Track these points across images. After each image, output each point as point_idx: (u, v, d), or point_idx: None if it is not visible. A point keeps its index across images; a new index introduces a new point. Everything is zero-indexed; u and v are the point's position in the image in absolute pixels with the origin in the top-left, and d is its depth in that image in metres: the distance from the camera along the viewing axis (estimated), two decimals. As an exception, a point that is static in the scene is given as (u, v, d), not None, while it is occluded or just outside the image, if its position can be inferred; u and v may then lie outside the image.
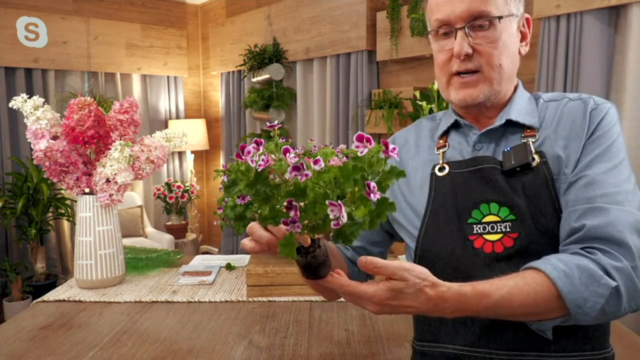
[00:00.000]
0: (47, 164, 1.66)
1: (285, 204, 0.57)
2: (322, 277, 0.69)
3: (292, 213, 0.57)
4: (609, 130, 0.83)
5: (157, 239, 4.32)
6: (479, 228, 0.85)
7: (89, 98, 1.70)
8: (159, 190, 4.61)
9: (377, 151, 0.60)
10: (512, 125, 0.89)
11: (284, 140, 0.64)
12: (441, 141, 0.96)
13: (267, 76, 4.16)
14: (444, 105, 2.79)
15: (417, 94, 3.06)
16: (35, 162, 1.65)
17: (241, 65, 4.42)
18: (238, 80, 4.73)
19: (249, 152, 0.59)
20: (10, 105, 1.67)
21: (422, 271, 0.70)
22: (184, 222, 4.74)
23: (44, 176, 1.75)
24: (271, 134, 0.71)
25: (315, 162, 0.57)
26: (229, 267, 1.89)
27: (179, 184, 4.65)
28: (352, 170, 0.57)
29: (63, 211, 3.89)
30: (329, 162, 0.59)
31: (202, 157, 5.46)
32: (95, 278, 1.67)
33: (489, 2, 0.84)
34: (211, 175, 5.43)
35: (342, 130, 3.74)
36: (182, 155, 5.25)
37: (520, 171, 0.84)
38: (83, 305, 1.54)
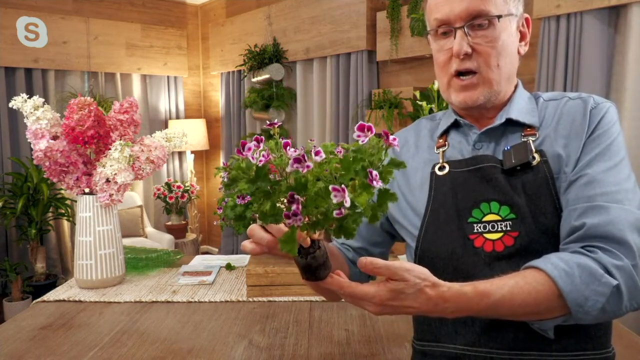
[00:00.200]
0: (47, 164, 1.66)
1: (286, 198, 0.57)
2: (322, 278, 0.69)
3: (294, 206, 0.57)
4: (609, 129, 0.83)
5: (157, 239, 4.32)
6: (480, 227, 0.85)
7: (89, 98, 1.70)
8: (159, 190, 4.61)
9: (377, 141, 0.60)
10: (512, 124, 0.89)
11: (284, 139, 0.64)
12: (441, 140, 0.96)
13: (267, 76, 4.16)
14: (444, 105, 2.79)
15: (417, 94, 3.06)
16: (35, 162, 1.65)
17: (241, 65, 4.42)
18: (238, 80, 4.73)
19: (249, 149, 0.59)
20: (10, 105, 1.67)
21: (423, 271, 0.70)
22: (184, 222, 4.74)
23: (44, 176, 1.75)
24: (271, 132, 0.71)
25: (317, 154, 0.57)
26: (229, 267, 1.89)
27: (179, 184, 4.65)
28: (352, 161, 0.57)
29: (63, 211, 3.89)
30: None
31: (202, 157, 5.46)
32: (95, 278, 1.67)
33: (488, 1, 0.84)
34: (211, 175, 5.43)
35: (342, 130, 3.74)
36: (182, 155, 5.25)
37: (520, 170, 0.84)
38: (83, 305, 1.54)
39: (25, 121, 1.65)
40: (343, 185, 0.55)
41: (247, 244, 0.71)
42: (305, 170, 0.57)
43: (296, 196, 0.57)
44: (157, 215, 5.07)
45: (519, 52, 0.92)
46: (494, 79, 0.87)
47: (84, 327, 1.37)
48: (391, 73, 3.55)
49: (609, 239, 0.75)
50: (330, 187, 0.55)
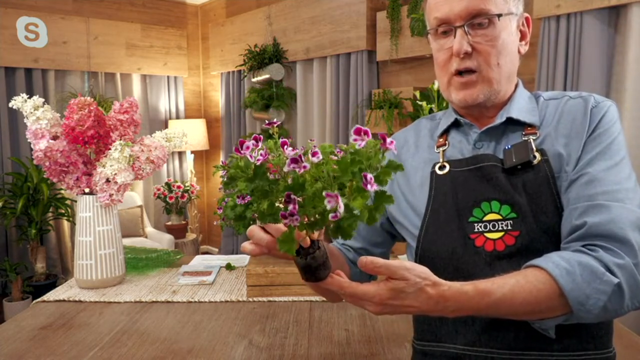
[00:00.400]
0: (47, 164, 1.66)
1: (283, 198, 0.57)
2: (321, 279, 0.68)
3: (290, 206, 0.56)
4: (610, 128, 0.83)
5: (157, 239, 4.32)
6: (480, 226, 0.84)
7: (89, 98, 1.70)
8: (159, 190, 4.61)
9: (374, 145, 0.60)
10: (512, 124, 0.89)
11: (283, 139, 0.64)
12: (441, 140, 0.96)
13: (267, 76, 4.16)
14: (444, 105, 2.79)
15: (417, 94, 3.06)
16: (35, 162, 1.65)
17: (241, 65, 4.42)
18: (238, 80, 4.73)
19: (248, 147, 0.59)
20: (10, 105, 1.67)
21: (423, 270, 0.69)
22: (184, 222, 4.74)
23: (44, 176, 1.75)
24: (270, 131, 0.71)
25: (314, 155, 0.57)
26: (229, 267, 1.89)
27: (179, 184, 4.65)
28: (350, 163, 0.57)
29: (63, 211, 3.89)
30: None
31: (202, 157, 5.46)
32: (95, 278, 1.67)
33: (488, 0, 0.84)
34: (211, 175, 5.43)
35: (342, 130, 3.74)
36: (182, 155, 5.25)
37: (521, 169, 0.84)
38: (83, 305, 1.54)
39: (25, 121, 1.65)
40: (336, 192, 0.55)
41: (246, 245, 0.71)
42: (302, 170, 0.56)
43: (293, 196, 0.57)
44: (157, 215, 5.07)
45: (519, 52, 0.91)
46: (494, 78, 0.87)
47: (84, 327, 1.37)
48: (391, 73, 3.55)
49: (610, 238, 0.74)
50: (323, 193, 0.55)
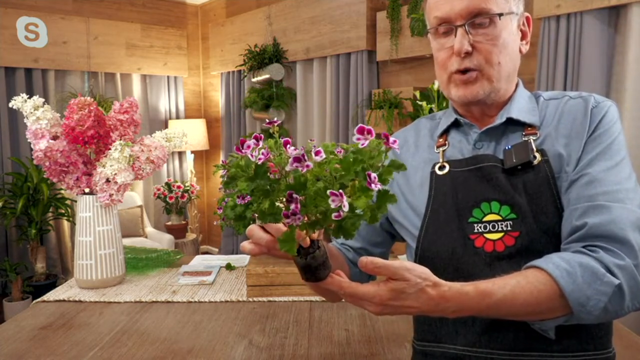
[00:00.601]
0: (47, 164, 1.66)
1: (285, 197, 0.57)
2: (321, 279, 0.68)
3: (292, 206, 0.56)
4: (610, 129, 0.83)
5: (157, 239, 4.32)
6: (480, 227, 0.84)
7: (89, 98, 1.70)
8: (159, 190, 4.60)
9: (377, 144, 0.60)
10: (512, 124, 0.89)
11: (284, 138, 0.64)
12: (441, 140, 0.96)
13: (267, 76, 4.16)
14: (444, 105, 2.79)
15: (417, 94, 3.05)
16: (35, 162, 1.65)
17: (241, 65, 4.42)
18: (238, 80, 4.73)
19: (248, 146, 0.59)
20: (10, 105, 1.67)
21: (424, 271, 0.69)
22: (184, 222, 4.74)
23: (44, 176, 1.75)
24: (271, 130, 0.70)
25: (317, 154, 0.57)
26: (229, 267, 1.89)
27: (179, 184, 4.65)
28: (352, 162, 0.57)
29: (63, 211, 3.89)
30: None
31: (202, 157, 5.46)
32: (95, 278, 1.67)
33: None
34: (211, 175, 5.43)
35: (342, 130, 3.74)
36: (182, 155, 5.25)
37: (521, 169, 0.84)
38: (83, 305, 1.54)
39: (25, 121, 1.64)
40: (341, 190, 0.55)
41: (246, 245, 0.71)
42: (305, 169, 0.56)
43: (295, 195, 0.57)
44: (157, 215, 5.07)
45: (520, 51, 0.91)
46: (494, 76, 0.87)
47: (84, 327, 1.37)
48: (391, 73, 3.55)
49: (610, 239, 0.74)
50: (328, 192, 0.55)
